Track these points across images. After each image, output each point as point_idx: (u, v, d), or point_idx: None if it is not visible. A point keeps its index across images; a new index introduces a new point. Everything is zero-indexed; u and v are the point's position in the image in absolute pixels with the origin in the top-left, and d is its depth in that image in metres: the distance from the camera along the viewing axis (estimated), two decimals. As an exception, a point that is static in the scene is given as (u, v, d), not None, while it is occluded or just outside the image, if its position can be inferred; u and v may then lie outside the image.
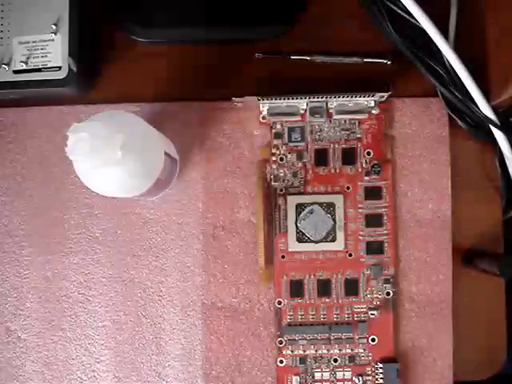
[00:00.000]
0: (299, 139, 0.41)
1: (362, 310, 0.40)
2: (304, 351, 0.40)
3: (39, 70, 0.39)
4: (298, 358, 0.40)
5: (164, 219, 0.41)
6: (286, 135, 0.41)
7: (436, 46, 0.37)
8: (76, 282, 0.41)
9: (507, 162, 0.40)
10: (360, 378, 0.39)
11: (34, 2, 0.40)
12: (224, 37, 0.42)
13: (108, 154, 0.29)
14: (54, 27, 0.39)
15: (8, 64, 0.39)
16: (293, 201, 0.40)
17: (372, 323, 0.40)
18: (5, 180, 0.42)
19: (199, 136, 0.42)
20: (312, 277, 0.40)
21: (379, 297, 0.40)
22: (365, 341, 0.40)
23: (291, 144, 0.41)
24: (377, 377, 0.39)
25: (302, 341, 0.40)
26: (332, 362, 0.40)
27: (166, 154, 0.35)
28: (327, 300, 0.40)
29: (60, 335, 0.41)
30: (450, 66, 0.38)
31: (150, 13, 0.42)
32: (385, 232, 0.40)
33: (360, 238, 0.40)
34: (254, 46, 0.42)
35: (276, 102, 0.40)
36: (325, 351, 0.40)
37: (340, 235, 0.40)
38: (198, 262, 0.41)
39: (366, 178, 0.41)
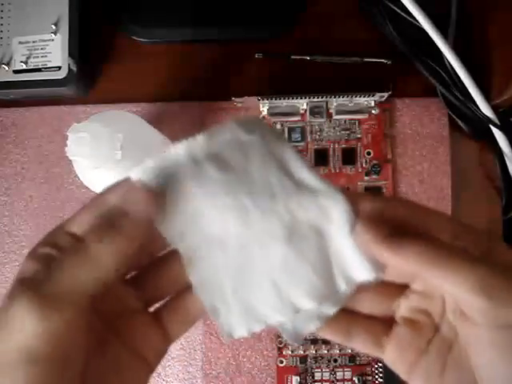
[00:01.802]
0: (299, 139, 0.41)
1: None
2: (304, 351, 0.40)
3: (39, 70, 0.39)
4: (297, 358, 0.40)
5: (164, 219, 0.41)
6: (285, 135, 0.41)
7: (436, 46, 0.37)
8: (76, 282, 0.41)
9: (507, 162, 0.40)
10: (360, 378, 0.39)
11: (34, 2, 0.40)
12: (224, 37, 0.42)
13: (108, 154, 0.29)
14: (53, 27, 0.39)
15: (8, 64, 0.39)
16: (293, 201, 0.40)
17: (372, 323, 0.40)
18: (5, 180, 0.42)
19: (199, 136, 0.41)
20: (312, 277, 0.40)
21: (379, 297, 0.40)
22: (365, 341, 0.40)
23: (291, 144, 0.41)
24: (377, 377, 0.39)
25: (302, 341, 0.40)
26: (332, 361, 0.40)
27: (166, 154, 0.35)
28: (327, 300, 0.40)
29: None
30: (450, 66, 0.38)
31: (150, 13, 0.42)
32: (385, 232, 0.40)
33: (360, 238, 0.40)
34: (253, 46, 0.42)
35: (276, 101, 0.40)
36: (325, 351, 0.40)
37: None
38: (198, 262, 0.41)
39: (366, 177, 0.41)
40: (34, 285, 0.18)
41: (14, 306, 0.18)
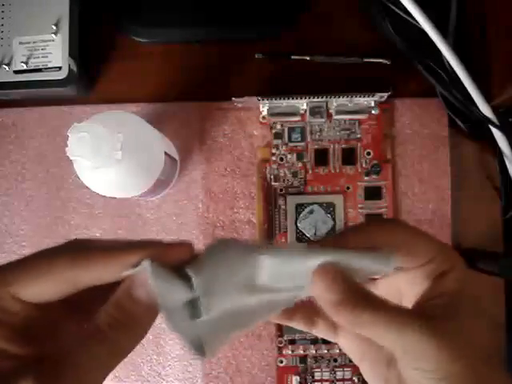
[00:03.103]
0: (299, 139, 0.41)
1: (361, 309, 0.40)
2: (304, 351, 0.40)
3: (39, 70, 0.39)
4: (297, 358, 0.40)
5: (164, 219, 0.41)
6: (286, 135, 0.41)
7: (436, 46, 0.37)
8: (76, 281, 0.41)
9: (507, 162, 0.40)
10: (360, 378, 0.39)
11: (35, 3, 0.40)
12: (224, 37, 0.42)
13: (108, 154, 0.29)
14: (54, 27, 0.39)
15: (8, 64, 0.40)
16: (293, 201, 0.40)
17: (372, 323, 0.40)
18: (5, 180, 0.42)
19: (199, 136, 0.42)
20: (312, 277, 0.40)
21: (379, 297, 0.40)
22: (365, 341, 0.40)
23: (291, 144, 0.41)
24: (377, 377, 0.39)
25: (302, 341, 0.40)
26: (332, 361, 0.40)
27: (166, 154, 0.35)
28: (327, 300, 0.40)
29: (60, 335, 0.41)
30: (450, 66, 0.38)
31: (150, 13, 0.42)
32: (385, 232, 0.40)
33: (360, 237, 0.40)
34: (254, 46, 0.42)
35: (276, 101, 0.40)
36: (325, 351, 0.40)
37: (340, 235, 0.40)
38: (198, 261, 0.41)
39: (366, 177, 0.41)
40: None
41: None
